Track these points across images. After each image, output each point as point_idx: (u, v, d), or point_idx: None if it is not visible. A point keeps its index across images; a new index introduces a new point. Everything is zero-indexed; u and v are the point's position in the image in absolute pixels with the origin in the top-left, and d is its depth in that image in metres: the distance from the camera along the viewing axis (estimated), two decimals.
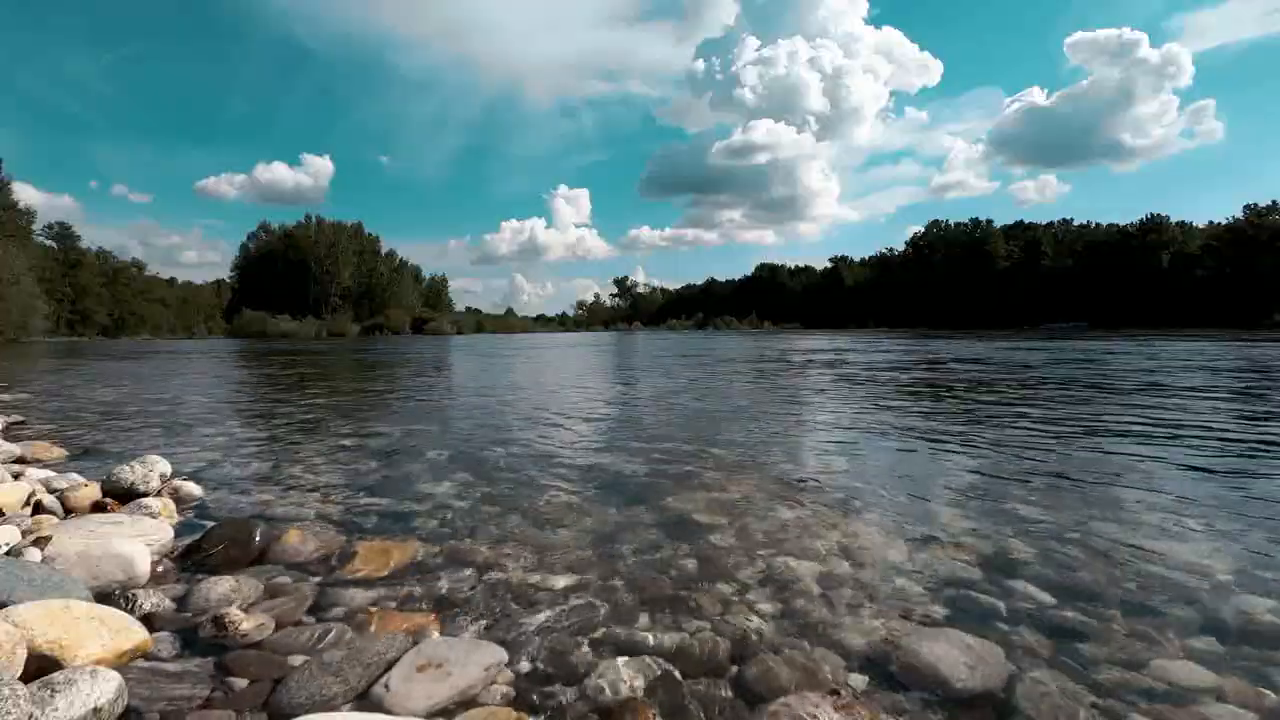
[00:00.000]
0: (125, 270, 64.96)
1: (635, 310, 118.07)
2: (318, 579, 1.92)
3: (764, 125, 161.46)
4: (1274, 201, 58.04)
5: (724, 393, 7.45)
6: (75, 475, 2.88)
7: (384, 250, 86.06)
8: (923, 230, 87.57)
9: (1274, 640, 1.53)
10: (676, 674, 1.41)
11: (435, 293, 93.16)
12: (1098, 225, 72.57)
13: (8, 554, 1.80)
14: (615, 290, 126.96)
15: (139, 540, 1.96)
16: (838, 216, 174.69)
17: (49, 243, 56.62)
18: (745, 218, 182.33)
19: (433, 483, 3.08)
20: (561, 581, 1.90)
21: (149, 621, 1.59)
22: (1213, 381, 7.71)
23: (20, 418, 5.17)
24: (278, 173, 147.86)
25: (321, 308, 75.45)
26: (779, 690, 1.33)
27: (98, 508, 2.46)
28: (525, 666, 1.44)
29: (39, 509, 2.38)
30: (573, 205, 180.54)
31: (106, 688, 1.19)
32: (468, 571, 1.97)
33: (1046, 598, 1.77)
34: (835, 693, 1.32)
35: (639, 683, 1.37)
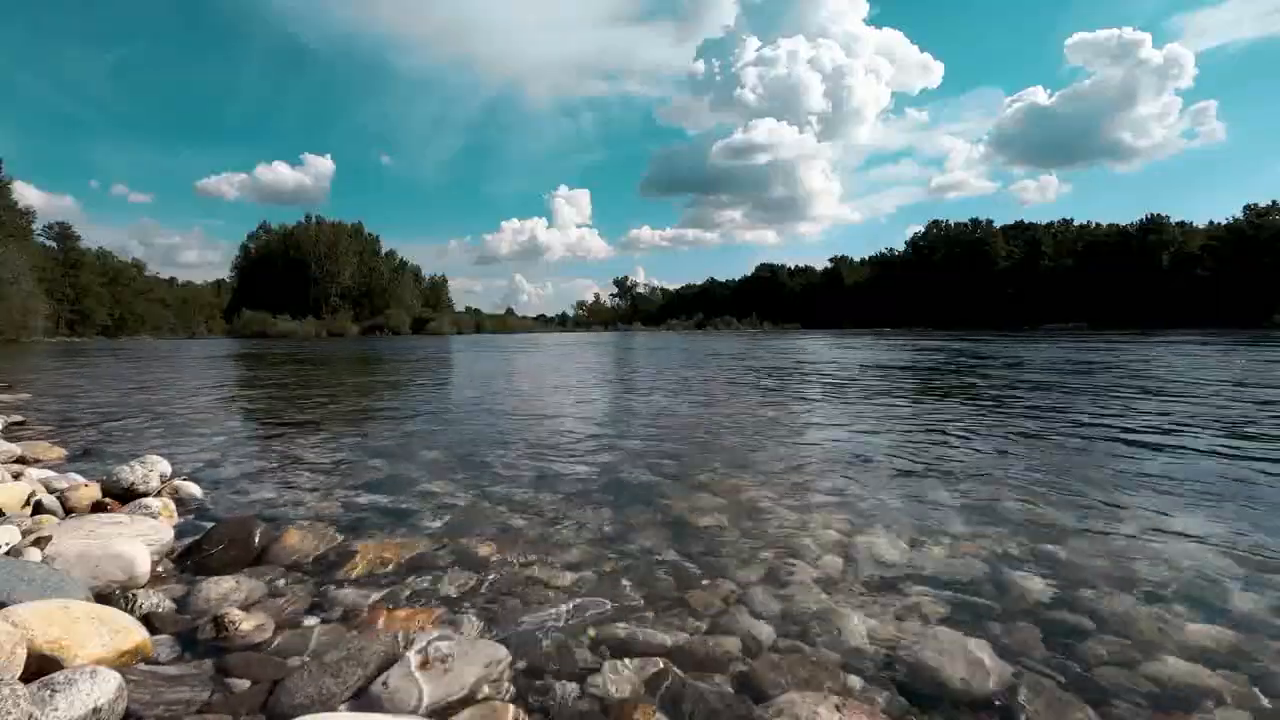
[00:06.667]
0: (125, 270, 64.93)
1: (635, 310, 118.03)
2: (317, 578, 1.92)
3: (765, 125, 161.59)
4: (1274, 201, 58.07)
5: (724, 392, 7.45)
6: (75, 475, 2.88)
7: (384, 250, 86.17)
8: (923, 230, 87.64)
9: (1275, 639, 1.53)
10: (677, 673, 1.40)
11: (435, 293, 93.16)
12: (1098, 225, 72.57)
13: (8, 554, 1.80)
14: (615, 290, 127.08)
15: (139, 540, 1.95)
16: (838, 216, 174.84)
17: (49, 243, 56.61)
18: (745, 218, 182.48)
19: (432, 481, 3.08)
20: (562, 580, 1.90)
21: (149, 622, 1.59)
22: (1211, 380, 7.70)
23: (20, 418, 5.16)
24: (278, 173, 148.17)
25: (321, 308, 75.43)
26: (779, 689, 1.33)
27: (98, 508, 2.46)
28: (526, 665, 1.44)
29: (39, 509, 2.38)
30: (573, 205, 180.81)
31: (106, 688, 1.18)
32: (468, 570, 1.96)
33: (1047, 597, 1.77)
34: (835, 693, 1.32)
35: (640, 681, 1.37)
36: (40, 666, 1.25)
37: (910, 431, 4.50)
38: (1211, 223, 63.11)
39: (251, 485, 3.06)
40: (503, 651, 1.46)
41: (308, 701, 1.28)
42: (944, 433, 4.42)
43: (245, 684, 1.35)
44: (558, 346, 25.67)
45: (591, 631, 1.59)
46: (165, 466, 2.92)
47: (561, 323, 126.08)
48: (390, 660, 1.41)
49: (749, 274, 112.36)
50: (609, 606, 1.73)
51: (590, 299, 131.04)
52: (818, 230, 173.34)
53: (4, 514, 2.28)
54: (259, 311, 68.69)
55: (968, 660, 1.42)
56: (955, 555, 2.09)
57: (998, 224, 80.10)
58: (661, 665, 1.43)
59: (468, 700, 1.30)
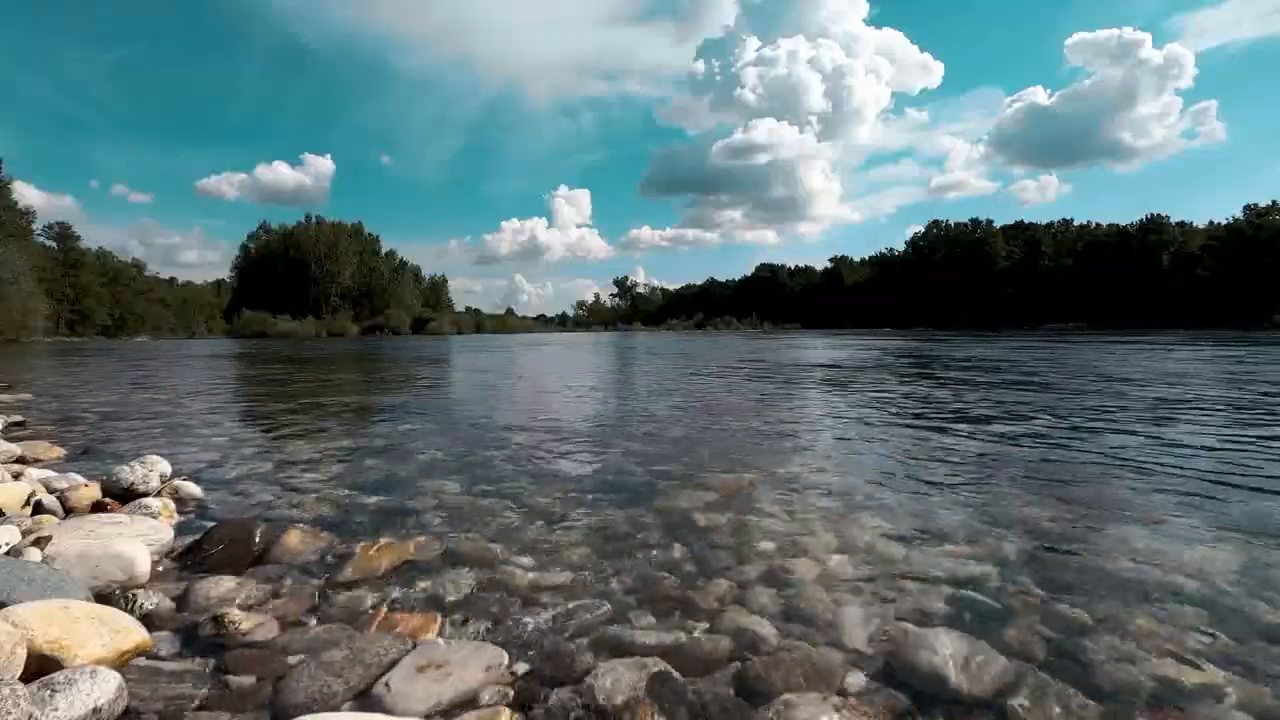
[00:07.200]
0: (125, 270, 64.95)
1: (635, 310, 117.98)
2: (318, 579, 1.91)
3: (765, 125, 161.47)
4: (1274, 201, 58.10)
5: (722, 393, 7.45)
6: (75, 475, 2.88)
7: (384, 250, 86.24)
8: (923, 230, 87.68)
9: (1274, 639, 1.53)
10: (676, 674, 1.40)
11: (435, 293, 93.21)
12: (1098, 225, 72.57)
13: (8, 554, 1.80)
14: (615, 290, 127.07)
15: (139, 540, 1.96)
16: (838, 216, 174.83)
17: (49, 243, 56.63)
18: (745, 218, 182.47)
19: (433, 482, 3.08)
20: (561, 581, 1.90)
21: (149, 621, 1.59)
22: (1208, 381, 7.71)
23: (20, 418, 5.16)
24: (278, 173, 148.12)
25: (321, 308, 75.44)
26: (779, 690, 1.33)
27: (98, 508, 2.46)
28: (525, 667, 1.44)
29: (39, 509, 2.38)
30: (573, 205, 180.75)
31: (106, 688, 1.18)
32: (468, 571, 1.96)
33: (1046, 597, 1.77)
34: (835, 693, 1.32)
35: (639, 683, 1.37)
36: (40, 666, 1.25)
37: (910, 431, 4.50)
38: (1211, 223, 63.19)
39: (252, 485, 3.06)
40: (502, 654, 1.46)
41: (309, 701, 1.28)
42: (944, 433, 4.42)
43: (246, 683, 1.35)
44: (557, 347, 25.67)
45: (591, 632, 1.59)
46: (165, 466, 2.92)
47: (561, 323, 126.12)
48: (391, 661, 1.41)
49: (749, 274, 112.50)
50: (608, 607, 1.72)
51: (590, 299, 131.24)
52: (818, 230, 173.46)
53: (4, 514, 2.28)
54: (259, 311, 68.70)
55: (968, 660, 1.42)
56: (955, 554, 2.08)
57: (998, 224, 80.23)
58: (661, 666, 1.43)
59: (468, 703, 1.30)
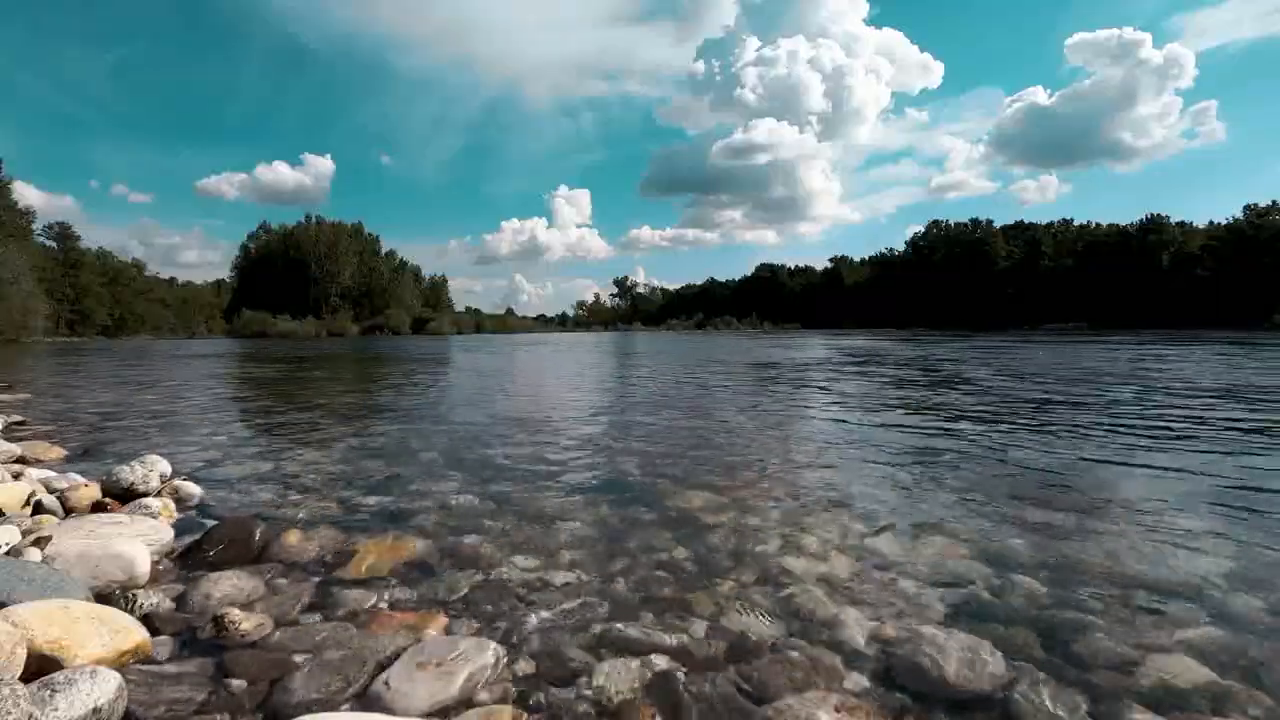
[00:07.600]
0: (125, 270, 64.90)
1: (635, 310, 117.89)
2: (318, 578, 1.92)
3: (765, 125, 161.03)
4: (1274, 201, 58.07)
5: (722, 393, 7.45)
6: (75, 475, 2.88)
7: (384, 250, 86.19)
8: (923, 230, 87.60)
9: (1271, 639, 1.53)
10: (676, 674, 1.41)
11: (435, 293, 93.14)
12: (1098, 225, 72.55)
13: (8, 554, 1.80)
14: (615, 290, 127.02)
15: (139, 540, 1.96)
16: (838, 216, 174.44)
17: (49, 243, 56.59)
18: (745, 218, 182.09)
19: (433, 482, 3.08)
20: (561, 580, 1.90)
21: (149, 621, 1.59)
22: (1207, 382, 7.70)
23: (20, 418, 5.16)
24: (278, 173, 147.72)
25: (321, 308, 75.40)
26: (779, 690, 1.33)
27: (98, 508, 2.46)
28: (525, 665, 1.44)
29: (39, 509, 2.38)
30: (573, 205, 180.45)
31: (106, 688, 1.18)
32: (468, 570, 1.97)
33: (1046, 597, 1.77)
34: (835, 692, 1.32)
35: (638, 682, 1.37)
36: (40, 666, 1.25)
37: (909, 432, 4.50)
38: (1211, 223, 63.11)
39: (252, 485, 3.07)
40: (502, 652, 1.46)
41: (308, 701, 1.28)
42: (944, 434, 4.42)
43: (245, 683, 1.35)
44: (557, 347, 25.67)
45: (590, 632, 1.59)
46: (165, 466, 2.92)
47: (561, 323, 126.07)
48: (390, 660, 1.41)
49: (749, 274, 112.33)
50: (608, 606, 1.73)
51: (590, 299, 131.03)
52: (818, 230, 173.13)
53: (4, 514, 2.28)
54: (259, 311, 68.65)
55: (968, 660, 1.42)
56: (955, 555, 2.09)
57: (998, 224, 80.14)
58: (661, 666, 1.43)
59: (467, 701, 1.30)
